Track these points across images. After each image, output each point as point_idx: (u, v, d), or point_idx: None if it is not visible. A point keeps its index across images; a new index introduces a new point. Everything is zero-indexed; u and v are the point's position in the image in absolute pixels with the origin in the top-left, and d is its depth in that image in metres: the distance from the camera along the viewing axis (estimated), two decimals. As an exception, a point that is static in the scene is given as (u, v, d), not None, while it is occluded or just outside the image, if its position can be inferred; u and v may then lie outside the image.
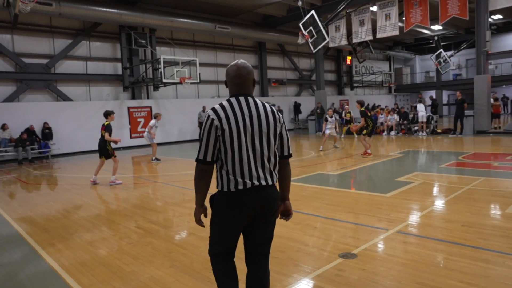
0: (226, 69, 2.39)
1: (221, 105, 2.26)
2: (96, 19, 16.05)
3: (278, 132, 2.32)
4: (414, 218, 5.02)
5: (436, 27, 24.01)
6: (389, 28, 16.93)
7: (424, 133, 16.79)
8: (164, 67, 15.85)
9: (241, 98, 2.29)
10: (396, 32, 16.82)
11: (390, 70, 34.39)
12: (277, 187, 2.41)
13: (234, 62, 2.34)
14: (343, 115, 19.06)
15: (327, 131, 13.28)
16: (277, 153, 2.35)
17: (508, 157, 9.60)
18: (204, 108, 19.30)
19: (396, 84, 32.84)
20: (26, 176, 10.93)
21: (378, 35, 17.49)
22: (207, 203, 2.40)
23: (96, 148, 8.83)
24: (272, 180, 2.31)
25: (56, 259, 4.17)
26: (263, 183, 2.25)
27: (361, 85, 30.56)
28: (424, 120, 16.98)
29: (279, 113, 2.38)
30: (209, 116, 2.23)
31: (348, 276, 3.36)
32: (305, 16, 16.74)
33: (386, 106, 21.39)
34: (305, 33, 17.04)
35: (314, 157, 11.62)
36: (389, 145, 14.09)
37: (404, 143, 14.28)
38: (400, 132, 17.83)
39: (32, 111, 14.86)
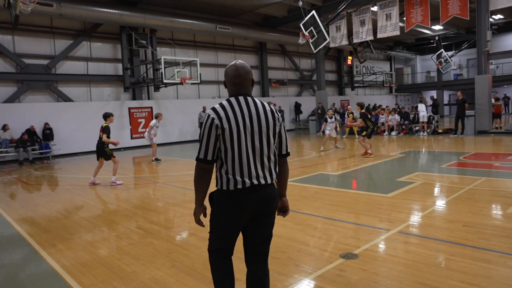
0: (224, 69, 2.40)
1: (221, 105, 2.28)
2: (97, 20, 16.07)
3: (277, 131, 2.34)
4: (415, 218, 5.01)
5: (437, 27, 23.98)
6: (389, 28, 16.92)
7: (425, 133, 16.76)
8: (165, 67, 15.87)
9: (241, 98, 2.30)
10: (397, 32, 16.82)
11: (391, 70, 34.36)
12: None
13: (233, 62, 2.36)
14: (346, 115, 19.03)
15: (327, 132, 13.27)
16: (276, 151, 2.37)
17: (509, 157, 9.58)
18: (204, 108, 19.32)
19: (397, 84, 32.79)
20: (27, 176, 10.94)
21: (379, 35, 17.49)
22: (206, 202, 2.40)
23: (97, 149, 8.84)
24: (272, 179, 2.32)
25: (57, 259, 4.17)
26: (263, 182, 2.26)
27: (362, 85, 30.53)
28: (425, 120, 16.95)
29: (278, 113, 2.40)
30: (209, 115, 2.24)
31: (349, 276, 3.36)
32: (305, 16, 16.75)
33: (387, 106, 21.35)
34: (306, 33, 17.05)
35: (315, 157, 11.62)
36: (390, 145, 14.07)
37: (405, 143, 14.26)
38: (401, 132, 17.81)
39: (33, 111, 14.88)
